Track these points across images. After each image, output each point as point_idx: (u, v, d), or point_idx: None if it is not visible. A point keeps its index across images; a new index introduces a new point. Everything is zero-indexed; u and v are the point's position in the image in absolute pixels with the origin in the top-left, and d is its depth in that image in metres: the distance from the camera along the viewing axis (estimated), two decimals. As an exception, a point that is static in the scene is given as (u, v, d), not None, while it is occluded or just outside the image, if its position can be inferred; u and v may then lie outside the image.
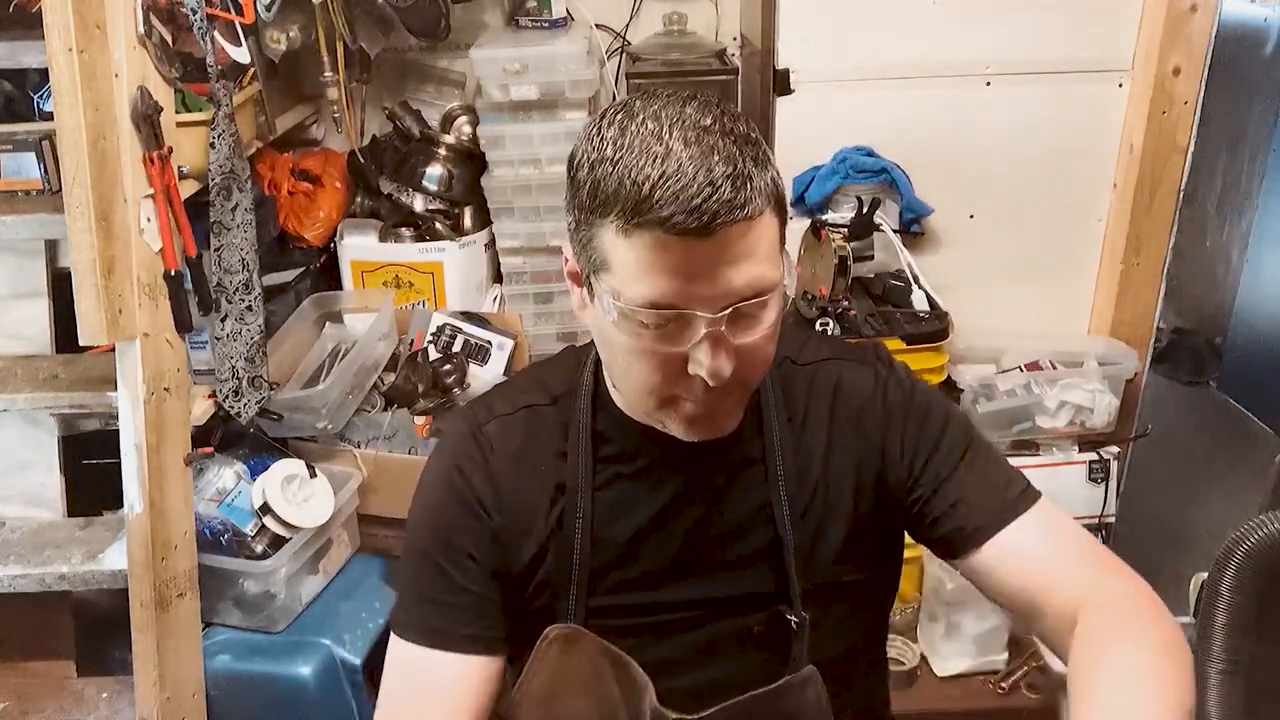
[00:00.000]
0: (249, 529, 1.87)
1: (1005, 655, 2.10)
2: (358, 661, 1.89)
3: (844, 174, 2.05)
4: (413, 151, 2.30)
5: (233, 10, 1.81)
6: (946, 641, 2.10)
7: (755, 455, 1.02)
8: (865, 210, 2.05)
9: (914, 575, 2.16)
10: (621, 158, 0.82)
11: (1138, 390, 2.20)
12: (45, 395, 1.82)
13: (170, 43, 1.71)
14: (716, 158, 0.80)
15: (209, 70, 1.75)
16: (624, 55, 2.38)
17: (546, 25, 2.29)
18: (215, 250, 1.83)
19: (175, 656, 1.78)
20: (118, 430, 1.72)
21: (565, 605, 1.03)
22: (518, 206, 2.25)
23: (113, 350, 1.70)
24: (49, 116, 1.68)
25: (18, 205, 1.82)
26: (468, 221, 2.32)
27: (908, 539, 1.10)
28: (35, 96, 1.94)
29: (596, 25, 2.36)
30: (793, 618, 1.02)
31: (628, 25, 2.40)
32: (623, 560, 1.03)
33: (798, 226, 2.08)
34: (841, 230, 2.01)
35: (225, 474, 1.93)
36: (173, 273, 1.72)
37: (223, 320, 1.85)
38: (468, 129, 2.34)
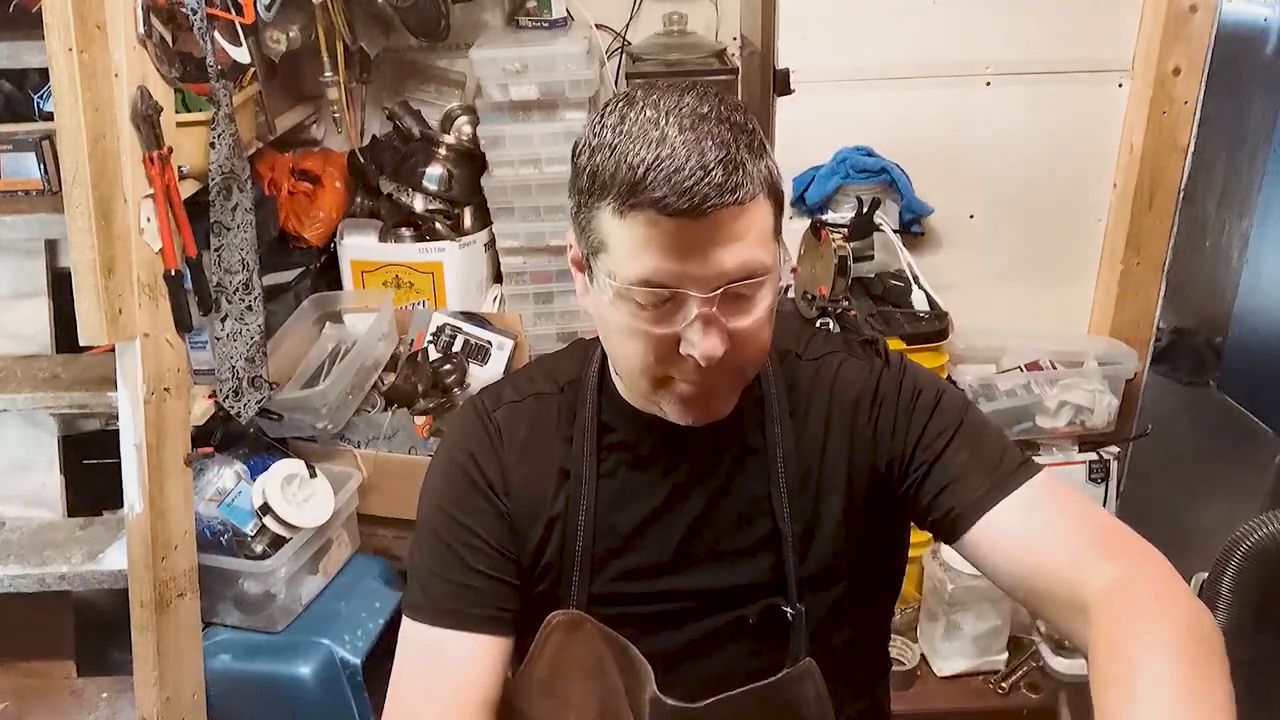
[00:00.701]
0: (249, 529, 1.87)
1: (1005, 655, 2.10)
2: (358, 661, 1.89)
3: (844, 174, 2.05)
4: (413, 151, 2.30)
5: (233, 10, 1.81)
6: (946, 641, 2.10)
7: (757, 446, 1.03)
8: (865, 210, 2.05)
9: (914, 575, 2.16)
10: (619, 143, 0.85)
11: (1138, 390, 2.20)
12: (45, 395, 1.82)
13: (170, 43, 1.71)
14: (710, 143, 0.83)
15: (209, 70, 1.75)
16: (624, 55, 2.38)
17: (546, 25, 2.29)
18: (215, 250, 1.83)
19: (175, 656, 1.78)
20: (118, 430, 1.72)
21: (567, 591, 1.04)
22: (518, 206, 2.25)
23: (113, 350, 1.70)
24: (49, 116, 1.68)
25: (18, 205, 1.81)
26: (468, 221, 2.32)
27: (913, 535, 1.10)
28: (35, 96, 1.94)
29: (596, 25, 2.36)
30: (789, 609, 1.03)
31: (628, 25, 2.40)
32: (624, 549, 1.04)
33: (798, 226, 2.08)
34: (841, 230, 2.01)
35: (225, 474, 1.93)
36: (173, 273, 1.72)
37: (223, 320, 1.85)
38: (468, 129, 2.34)
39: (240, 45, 1.86)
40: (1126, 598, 0.86)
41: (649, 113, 0.86)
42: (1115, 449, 2.15)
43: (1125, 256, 2.14)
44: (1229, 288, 2.40)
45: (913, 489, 1.01)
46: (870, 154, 2.07)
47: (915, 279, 2.07)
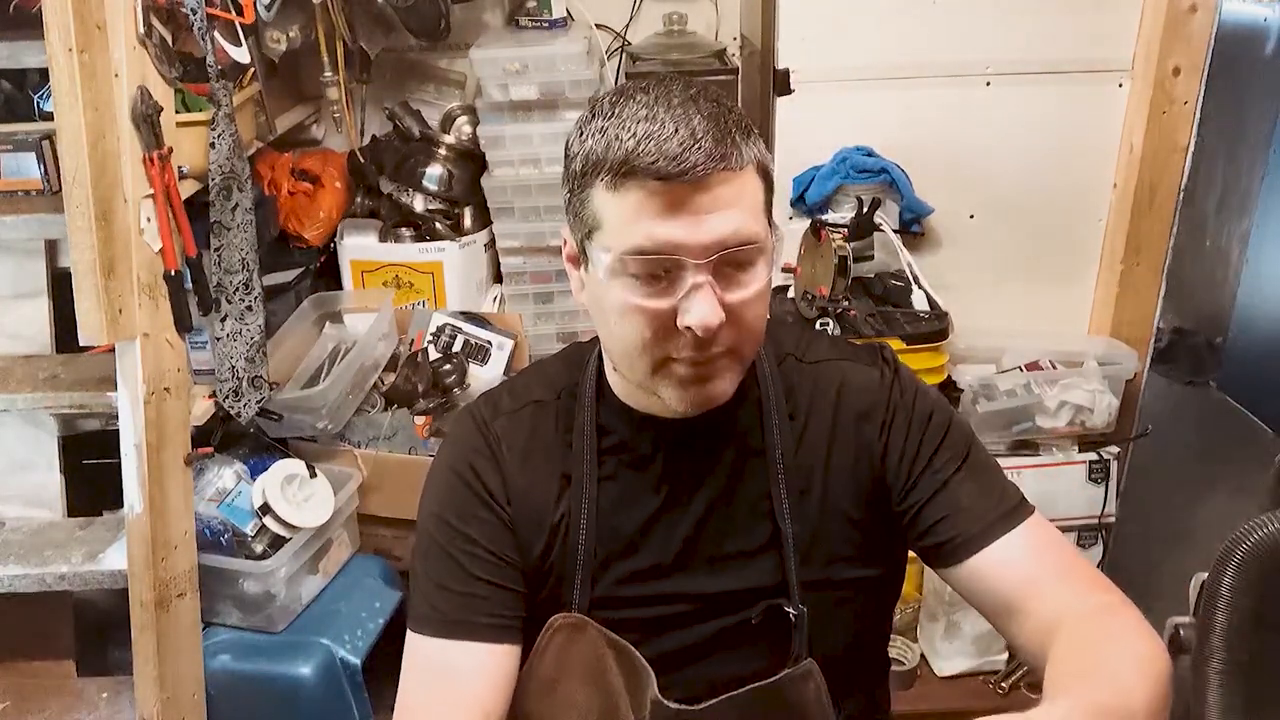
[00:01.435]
0: (249, 529, 1.88)
1: (1005, 655, 2.10)
2: (358, 661, 1.89)
3: (844, 174, 2.05)
4: (413, 151, 2.30)
5: (233, 10, 1.81)
6: (946, 641, 2.10)
7: (757, 447, 1.04)
8: (865, 210, 2.05)
9: (914, 575, 2.16)
10: (609, 126, 0.88)
11: (1138, 390, 2.20)
12: (45, 395, 1.83)
13: (170, 43, 1.71)
14: (699, 117, 0.87)
15: (209, 70, 1.75)
16: (624, 55, 2.38)
17: (546, 25, 2.29)
18: (215, 250, 1.83)
19: (175, 656, 1.78)
20: (118, 430, 1.72)
21: (570, 595, 1.04)
22: (518, 206, 2.25)
23: (113, 350, 1.70)
24: (49, 116, 1.68)
25: (18, 205, 1.81)
26: (468, 221, 2.32)
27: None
28: (35, 96, 1.94)
29: (596, 25, 2.36)
30: (791, 610, 1.03)
31: (628, 25, 2.40)
32: (626, 551, 1.04)
33: (798, 227, 2.08)
34: (841, 230, 2.01)
35: (225, 474, 1.93)
36: (173, 273, 1.72)
37: (223, 320, 1.85)
38: (468, 129, 2.34)
39: (240, 45, 1.86)
40: (1109, 617, 0.92)
41: (640, 97, 0.89)
42: (1115, 449, 2.15)
43: (1125, 256, 2.14)
44: (1229, 288, 2.39)
45: (913, 510, 1.02)
46: (870, 154, 2.07)
47: (915, 279, 2.07)
